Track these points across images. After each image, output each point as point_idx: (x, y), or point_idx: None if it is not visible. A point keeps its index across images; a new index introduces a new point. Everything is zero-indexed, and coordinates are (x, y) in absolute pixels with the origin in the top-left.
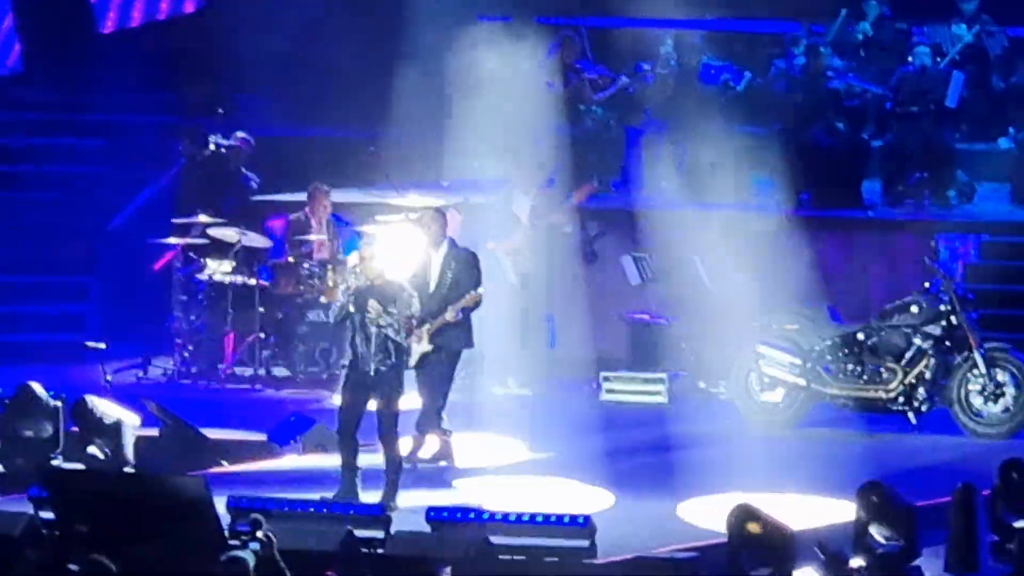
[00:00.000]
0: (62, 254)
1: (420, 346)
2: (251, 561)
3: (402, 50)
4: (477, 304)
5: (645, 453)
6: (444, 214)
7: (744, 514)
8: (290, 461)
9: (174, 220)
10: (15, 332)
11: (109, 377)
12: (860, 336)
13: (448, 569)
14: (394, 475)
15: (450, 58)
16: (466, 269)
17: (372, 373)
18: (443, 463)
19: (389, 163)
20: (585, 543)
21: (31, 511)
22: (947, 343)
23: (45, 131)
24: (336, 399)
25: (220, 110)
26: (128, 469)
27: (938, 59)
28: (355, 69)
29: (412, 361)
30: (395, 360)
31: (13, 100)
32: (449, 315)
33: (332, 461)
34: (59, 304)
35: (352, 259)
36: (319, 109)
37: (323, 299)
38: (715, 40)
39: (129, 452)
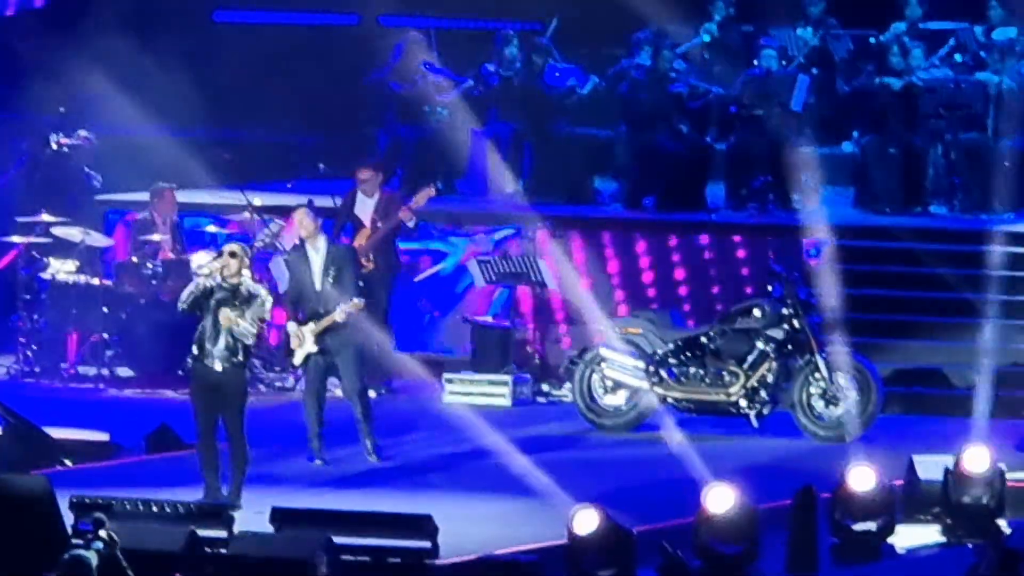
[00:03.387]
0: None
1: (305, 347)
2: (94, 561)
3: (248, 52)
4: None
5: (487, 456)
6: (317, 212)
7: (586, 516)
8: (133, 461)
9: (17, 219)
10: None
11: None
12: (703, 339)
13: (326, 558)
14: (240, 475)
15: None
16: (348, 267)
17: (218, 369)
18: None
19: (236, 164)
20: (427, 544)
21: None
22: (789, 347)
23: None
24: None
25: (61, 108)
26: None
27: (783, 62)
28: (201, 69)
29: (297, 360)
30: (241, 359)
31: None
32: (338, 316)
33: (177, 462)
34: None
35: (197, 258)
36: (164, 109)
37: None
38: (562, 41)
39: None
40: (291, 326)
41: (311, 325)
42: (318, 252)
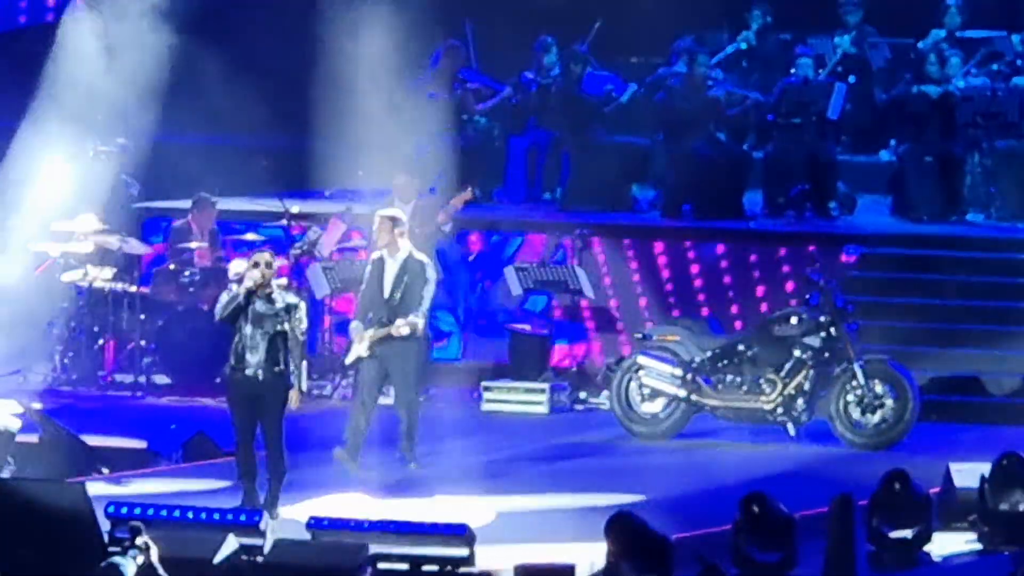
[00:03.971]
0: None
1: (358, 349)
2: (131, 569)
3: (284, 58)
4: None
5: (525, 463)
6: (396, 221)
7: (623, 523)
8: (171, 469)
9: (51, 226)
10: None
11: None
12: (740, 347)
13: (369, 569)
14: (277, 483)
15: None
16: (418, 281)
17: (258, 378)
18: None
19: (273, 171)
20: (464, 552)
21: None
22: (826, 354)
23: None
24: (208, 401)
25: (99, 115)
26: (6, 475)
27: (820, 70)
28: (238, 76)
29: (349, 359)
30: (281, 367)
31: None
32: (394, 330)
33: (214, 469)
34: None
35: (234, 266)
36: (201, 116)
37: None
38: (600, 49)
39: (8, 458)
40: (355, 325)
41: (371, 331)
42: (395, 262)
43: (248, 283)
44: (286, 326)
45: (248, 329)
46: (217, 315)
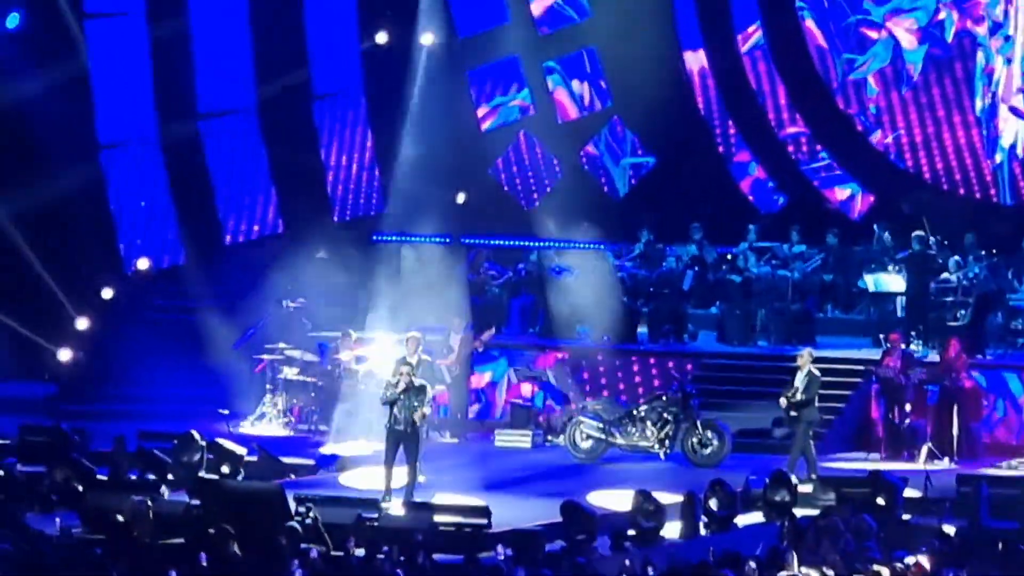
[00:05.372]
0: (211, 361)
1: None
2: (302, 529)
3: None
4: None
5: (520, 473)
6: (419, 341)
7: (570, 506)
8: (328, 476)
9: (265, 345)
10: (178, 403)
11: (231, 428)
12: (635, 412)
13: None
14: (412, 482)
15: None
16: (427, 377)
17: (406, 432)
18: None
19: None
20: (485, 520)
21: (187, 500)
22: (681, 416)
23: (193, 300)
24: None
25: (289, 286)
26: (239, 478)
27: (679, 263)
28: (364, 266)
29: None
30: (416, 424)
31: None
32: (421, 411)
33: (352, 476)
34: (205, 388)
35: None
36: (339, 283)
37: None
38: (559, 252)
39: (240, 469)
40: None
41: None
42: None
43: (400, 386)
44: (419, 401)
45: (399, 404)
46: (382, 401)
